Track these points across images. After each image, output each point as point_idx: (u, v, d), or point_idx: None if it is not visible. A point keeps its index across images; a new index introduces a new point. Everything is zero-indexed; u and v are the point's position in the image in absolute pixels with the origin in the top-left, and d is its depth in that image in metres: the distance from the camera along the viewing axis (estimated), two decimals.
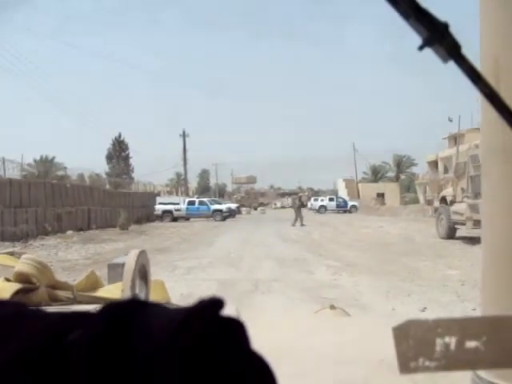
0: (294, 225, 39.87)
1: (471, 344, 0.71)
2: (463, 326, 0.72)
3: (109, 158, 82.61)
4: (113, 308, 0.51)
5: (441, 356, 0.71)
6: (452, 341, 0.71)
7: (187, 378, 0.46)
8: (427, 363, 0.71)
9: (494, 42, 1.33)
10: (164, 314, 0.51)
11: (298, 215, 40.87)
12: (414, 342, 0.70)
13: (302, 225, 39.41)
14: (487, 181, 1.47)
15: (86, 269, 5.35)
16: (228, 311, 0.51)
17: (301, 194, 58.95)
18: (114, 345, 0.47)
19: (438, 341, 0.71)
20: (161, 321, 0.50)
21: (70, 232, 33.91)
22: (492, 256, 1.43)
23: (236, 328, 0.51)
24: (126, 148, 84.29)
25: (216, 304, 0.50)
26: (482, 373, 1.16)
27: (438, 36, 0.65)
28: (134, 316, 0.49)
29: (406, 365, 0.70)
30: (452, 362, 0.71)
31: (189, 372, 0.46)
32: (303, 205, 43.68)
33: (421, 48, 0.66)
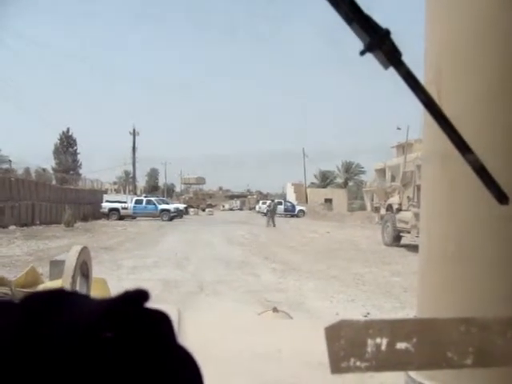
0: (268, 226, 43.04)
1: (402, 345, 0.72)
2: (394, 328, 0.72)
3: (56, 152, 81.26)
4: (34, 297, 0.50)
5: (372, 357, 0.71)
6: (383, 342, 0.71)
7: (104, 369, 0.45)
8: (358, 363, 0.71)
9: (437, 52, 1.35)
10: (87, 305, 0.50)
11: (272, 217, 44.35)
12: (346, 343, 0.70)
13: (274, 226, 42.75)
14: (426, 185, 1.49)
15: (27, 265, 5.24)
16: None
17: (276, 200, 61.29)
18: (27, 334, 0.45)
19: (370, 341, 0.71)
20: (82, 312, 0.48)
21: (12, 227, 33.11)
22: (428, 260, 1.45)
23: (160, 320, 0.50)
24: (74, 143, 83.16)
25: (141, 296, 0.49)
26: (413, 374, 1.18)
27: (379, 42, 0.66)
28: (56, 306, 0.48)
29: (338, 365, 0.70)
30: (383, 362, 0.72)
31: (107, 363, 0.45)
32: (274, 209, 47.25)
33: (362, 53, 0.67)
